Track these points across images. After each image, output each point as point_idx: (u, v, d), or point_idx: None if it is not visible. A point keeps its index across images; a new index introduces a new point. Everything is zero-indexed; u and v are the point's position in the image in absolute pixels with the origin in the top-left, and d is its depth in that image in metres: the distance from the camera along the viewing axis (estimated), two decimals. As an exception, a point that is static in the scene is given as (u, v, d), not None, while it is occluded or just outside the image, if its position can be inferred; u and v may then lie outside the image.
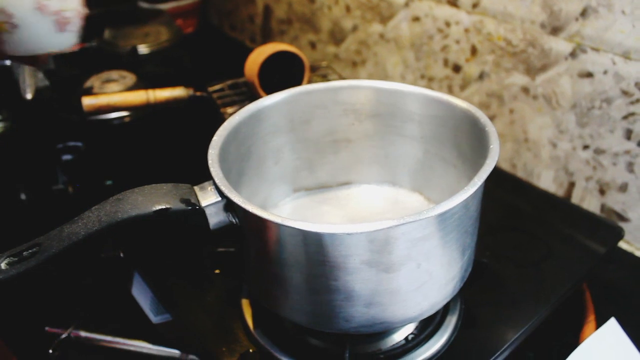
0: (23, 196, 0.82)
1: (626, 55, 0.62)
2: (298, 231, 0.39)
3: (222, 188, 0.42)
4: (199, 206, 0.42)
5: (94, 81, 0.91)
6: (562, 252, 0.62)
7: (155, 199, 0.42)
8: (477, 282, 0.53)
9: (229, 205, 0.42)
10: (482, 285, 0.56)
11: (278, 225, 0.39)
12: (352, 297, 0.42)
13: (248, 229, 0.43)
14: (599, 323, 0.57)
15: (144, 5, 1.22)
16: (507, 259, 0.61)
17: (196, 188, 0.44)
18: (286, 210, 0.59)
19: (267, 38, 1.24)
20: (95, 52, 1.10)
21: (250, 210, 0.39)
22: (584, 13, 0.64)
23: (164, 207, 0.42)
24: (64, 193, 0.79)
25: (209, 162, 0.44)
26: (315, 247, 0.39)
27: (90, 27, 1.13)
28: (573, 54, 0.67)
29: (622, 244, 0.68)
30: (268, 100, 0.54)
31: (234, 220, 0.43)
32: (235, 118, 0.50)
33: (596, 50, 0.65)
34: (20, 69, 0.96)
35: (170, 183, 0.44)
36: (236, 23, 1.34)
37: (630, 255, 0.68)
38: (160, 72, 1.03)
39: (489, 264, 0.55)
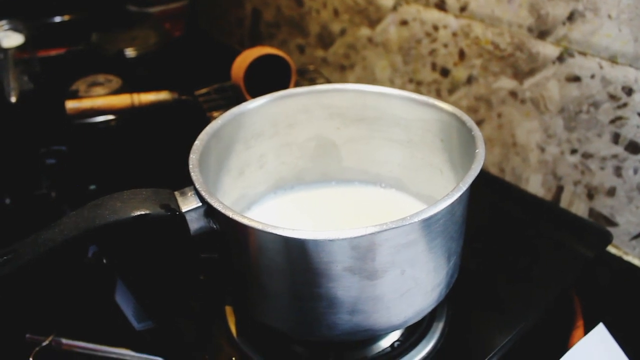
0: (7, 200, 0.81)
1: (613, 60, 0.62)
2: (279, 237, 0.38)
3: (203, 193, 0.41)
4: (179, 212, 0.42)
5: (79, 85, 0.90)
6: (550, 257, 0.62)
7: (135, 205, 0.41)
8: (464, 287, 0.52)
9: (210, 211, 0.42)
10: (469, 290, 0.55)
11: (259, 232, 0.38)
12: (335, 305, 0.41)
13: (229, 235, 0.42)
14: (588, 328, 0.56)
15: (132, 8, 1.21)
16: (495, 264, 0.61)
17: (177, 193, 0.43)
18: (269, 213, 0.58)
19: (255, 42, 1.23)
20: (82, 56, 1.09)
21: (231, 216, 0.39)
22: (570, 17, 0.64)
23: (143, 212, 0.41)
24: (47, 197, 0.78)
25: (190, 166, 0.44)
26: (296, 253, 0.39)
27: (78, 31, 1.13)
28: (560, 58, 0.67)
29: (610, 248, 0.68)
30: (251, 104, 0.53)
31: (214, 226, 0.42)
32: (218, 122, 0.50)
33: (583, 54, 0.64)
34: (4, 72, 0.95)
35: (151, 188, 0.43)
36: (225, 26, 1.33)
37: (618, 260, 0.68)
38: (148, 75, 1.02)
39: (476, 269, 0.54)
